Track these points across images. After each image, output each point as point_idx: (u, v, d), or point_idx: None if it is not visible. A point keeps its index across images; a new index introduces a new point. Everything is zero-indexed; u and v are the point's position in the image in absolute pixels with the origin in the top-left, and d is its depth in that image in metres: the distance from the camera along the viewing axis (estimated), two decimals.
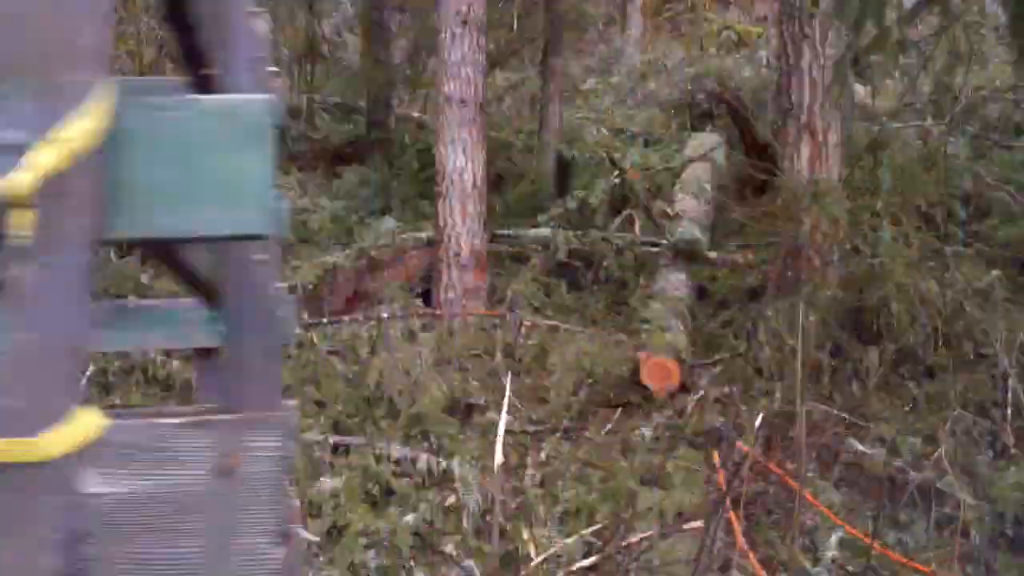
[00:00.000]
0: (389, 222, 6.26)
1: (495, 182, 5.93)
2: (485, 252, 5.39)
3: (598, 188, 5.97)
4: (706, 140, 6.61)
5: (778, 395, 4.20)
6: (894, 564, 3.39)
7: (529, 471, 3.99)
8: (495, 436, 2.92)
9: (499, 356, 5.03)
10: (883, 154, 5.57)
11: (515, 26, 5.98)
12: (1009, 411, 4.02)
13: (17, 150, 0.58)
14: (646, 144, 7.93)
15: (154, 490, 0.90)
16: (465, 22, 5.19)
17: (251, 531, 0.93)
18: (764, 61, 8.56)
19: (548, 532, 3.48)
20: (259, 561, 0.93)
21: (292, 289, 5.31)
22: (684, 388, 4.41)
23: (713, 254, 5.63)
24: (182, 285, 1.47)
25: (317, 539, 3.48)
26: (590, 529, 3.58)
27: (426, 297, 5.49)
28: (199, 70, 1.02)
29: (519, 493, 3.90)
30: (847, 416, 4.18)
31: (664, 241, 5.58)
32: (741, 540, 3.21)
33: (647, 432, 4.28)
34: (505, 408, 2.51)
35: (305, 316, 5.09)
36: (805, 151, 4.63)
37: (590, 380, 4.61)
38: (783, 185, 4.65)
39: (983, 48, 5.22)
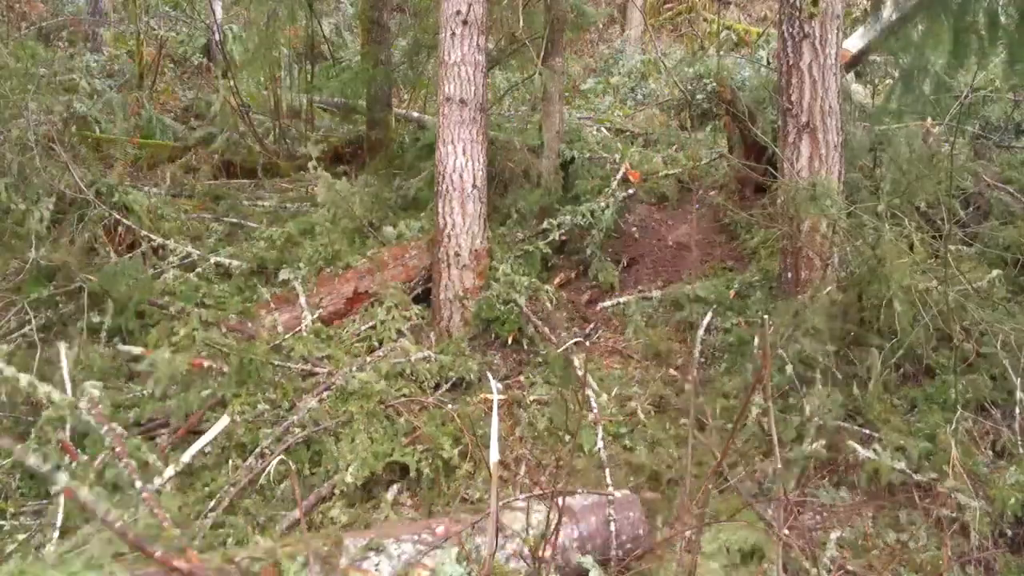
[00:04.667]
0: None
1: (497, 183, 5.91)
2: (486, 252, 5.39)
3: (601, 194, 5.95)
4: None
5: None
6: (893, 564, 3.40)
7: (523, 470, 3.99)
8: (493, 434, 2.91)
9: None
10: (883, 154, 5.58)
11: (520, 22, 5.94)
12: (1006, 411, 4.02)
13: None
14: (646, 144, 7.93)
15: None
16: (465, 22, 5.19)
17: None
18: (764, 61, 8.56)
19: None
20: None
21: (290, 289, 5.31)
22: None
23: None
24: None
25: None
26: None
27: (426, 297, 5.49)
28: None
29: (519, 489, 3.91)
30: (847, 416, 4.19)
31: None
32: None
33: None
34: (496, 409, 2.51)
35: (308, 319, 5.10)
36: (805, 151, 4.63)
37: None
38: (783, 185, 4.65)
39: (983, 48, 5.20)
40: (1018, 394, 3.92)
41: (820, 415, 4.14)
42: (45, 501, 3.86)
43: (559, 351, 4.79)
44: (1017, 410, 3.93)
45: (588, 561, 3.13)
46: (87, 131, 7.56)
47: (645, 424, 4.41)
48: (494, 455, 2.13)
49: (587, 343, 5.19)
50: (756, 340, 4.52)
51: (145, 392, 4.58)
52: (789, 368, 4.21)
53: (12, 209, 5.14)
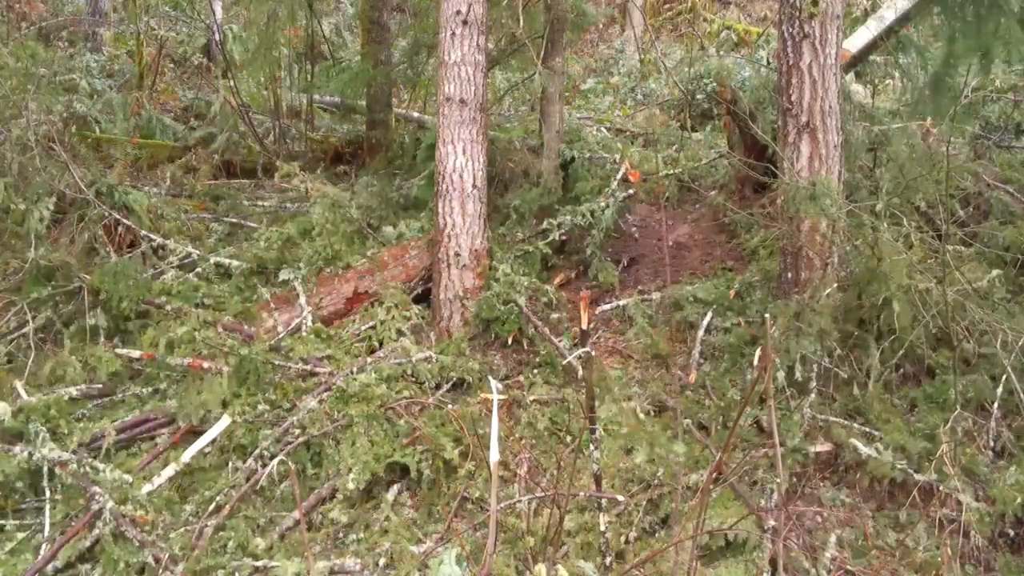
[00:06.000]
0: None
1: (497, 183, 5.91)
2: (486, 252, 5.39)
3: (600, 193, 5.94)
4: None
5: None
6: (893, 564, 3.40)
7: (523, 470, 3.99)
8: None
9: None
10: (883, 154, 5.58)
11: (520, 22, 5.93)
12: (1004, 411, 4.02)
13: None
14: (646, 144, 7.93)
15: None
16: (465, 22, 5.19)
17: None
18: (764, 61, 8.56)
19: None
20: None
21: (290, 289, 5.31)
22: None
23: None
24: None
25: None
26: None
27: (426, 297, 5.49)
28: None
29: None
30: (847, 416, 4.19)
31: None
32: None
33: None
34: (495, 408, 2.51)
35: (308, 319, 5.10)
36: (805, 151, 4.63)
37: None
38: (783, 185, 4.65)
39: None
40: (1021, 394, 3.92)
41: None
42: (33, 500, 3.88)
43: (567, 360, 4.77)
44: None
45: (589, 568, 3.13)
46: (87, 131, 7.56)
47: (644, 425, 4.40)
48: (494, 455, 2.13)
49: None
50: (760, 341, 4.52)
51: (144, 391, 4.60)
52: (781, 375, 4.21)
53: (12, 209, 5.14)
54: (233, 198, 7.04)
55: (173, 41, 10.63)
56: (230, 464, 4.08)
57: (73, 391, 4.44)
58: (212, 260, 5.62)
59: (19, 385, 4.38)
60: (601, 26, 13.07)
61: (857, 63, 6.34)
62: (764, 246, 5.45)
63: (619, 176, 6.11)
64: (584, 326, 2.80)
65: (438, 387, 4.70)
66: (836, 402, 4.29)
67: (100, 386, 4.56)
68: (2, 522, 3.78)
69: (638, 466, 4.03)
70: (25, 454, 3.82)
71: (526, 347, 5.11)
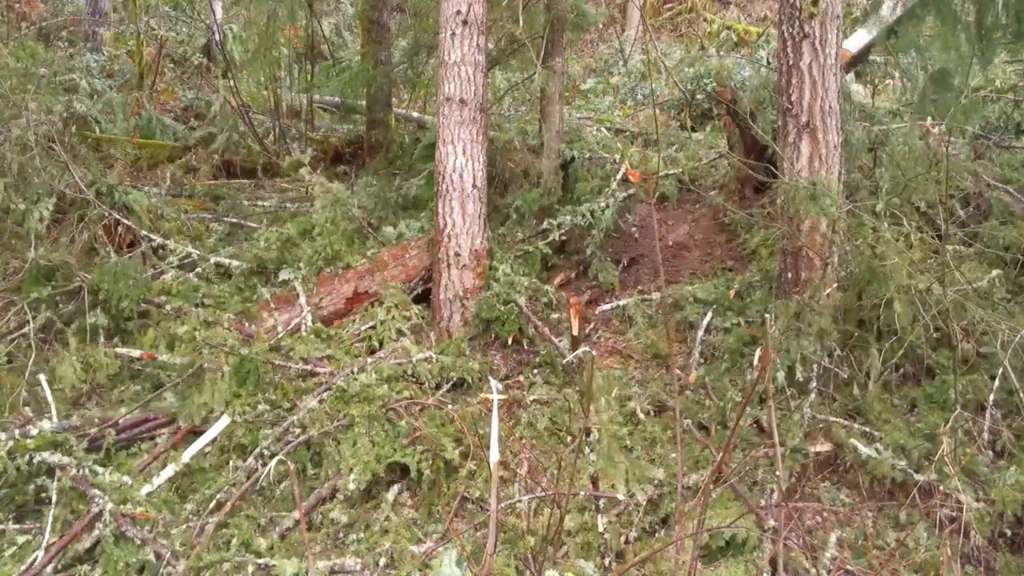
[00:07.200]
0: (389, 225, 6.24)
1: (497, 183, 5.91)
2: (486, 252, 5.39)
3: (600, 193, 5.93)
4: None
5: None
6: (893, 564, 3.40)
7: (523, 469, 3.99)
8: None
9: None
10: (883, 154, 5.58)
11: (520, 22, 5.93)
12: (1005, 411, 4.02)
13: None
14: (646, 144, 7.93)
15: None
16: (465, 22, 5.19)
17: None
18: (764, 61, 8.55)
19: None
20: None
21: (290, 289, 5.31)
22: None
23: None
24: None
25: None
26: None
27: (426, 297, 5.49)
28: None
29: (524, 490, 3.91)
30: (847, 416, 4.19)
31: None
32: None
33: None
34: (496, 408, 2.50)
35: (308, 319, 5.10)
36: (805, 151, 4.63)
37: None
38: (783, 185, 4.65)
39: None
40: (1021, 394, 3.92)
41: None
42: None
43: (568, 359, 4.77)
44: None
45: (589, 567, 3.13)
46: (87, 131, 7.56)
47: (644, 424, 4.40)
48: (494, 455, 2.14)
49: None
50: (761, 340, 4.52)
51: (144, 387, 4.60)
52: (781, 375, 4.21)
53: (12, 209, 5.14)
54: (233, 198, 7.04)
55: (173, 41, 10.63)
56: (230, 463, 4.09)
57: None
58: (212, 260, 5.62)
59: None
60: (601, 26, 13.07)
61: (857, 63, 6.34)
62: (764, 246, 5.45)
63: (619, 176, 6.10)
64: (575, 332, 2.80)
65: (438, 387, 4.70)
66: (836, 402, 4.29)
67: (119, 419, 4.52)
68: (2, 526, 3.77)
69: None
70: (26, 456, 3.81)
71: (526, 347, 5.12)
